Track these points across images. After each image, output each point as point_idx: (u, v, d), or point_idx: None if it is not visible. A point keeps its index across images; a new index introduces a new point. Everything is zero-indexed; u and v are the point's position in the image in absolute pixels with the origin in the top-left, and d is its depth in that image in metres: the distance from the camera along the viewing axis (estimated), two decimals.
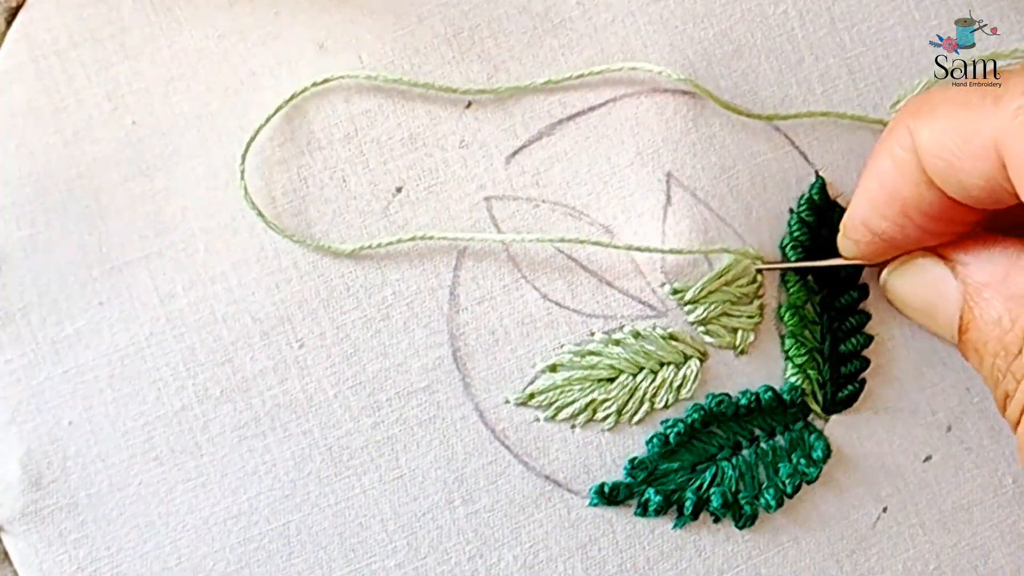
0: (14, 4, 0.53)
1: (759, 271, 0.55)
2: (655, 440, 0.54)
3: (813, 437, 0.55)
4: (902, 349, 0.56)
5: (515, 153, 0.54)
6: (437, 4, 0.54)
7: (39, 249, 0.52)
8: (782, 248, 0.55)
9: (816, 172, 0.56)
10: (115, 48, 0.53)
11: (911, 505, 0.56)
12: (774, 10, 0.56)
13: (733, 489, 0.54)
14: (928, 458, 0.56)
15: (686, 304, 0.55)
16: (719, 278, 0.55)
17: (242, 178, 0.52)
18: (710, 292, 0.55)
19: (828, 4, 0.56)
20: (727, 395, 0.55)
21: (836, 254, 0.54)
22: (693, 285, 0.54)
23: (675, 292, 0.55)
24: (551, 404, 0.54)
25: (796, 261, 0.55)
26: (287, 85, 0.53)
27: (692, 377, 0.55)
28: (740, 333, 0.55)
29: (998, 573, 0.56)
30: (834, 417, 0.55)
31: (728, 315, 0.55)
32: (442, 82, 0.54)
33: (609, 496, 0.54)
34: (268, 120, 0.53)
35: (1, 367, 0.52)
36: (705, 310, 0.55)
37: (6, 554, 0.53)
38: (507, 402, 0.54)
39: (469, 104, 0.54)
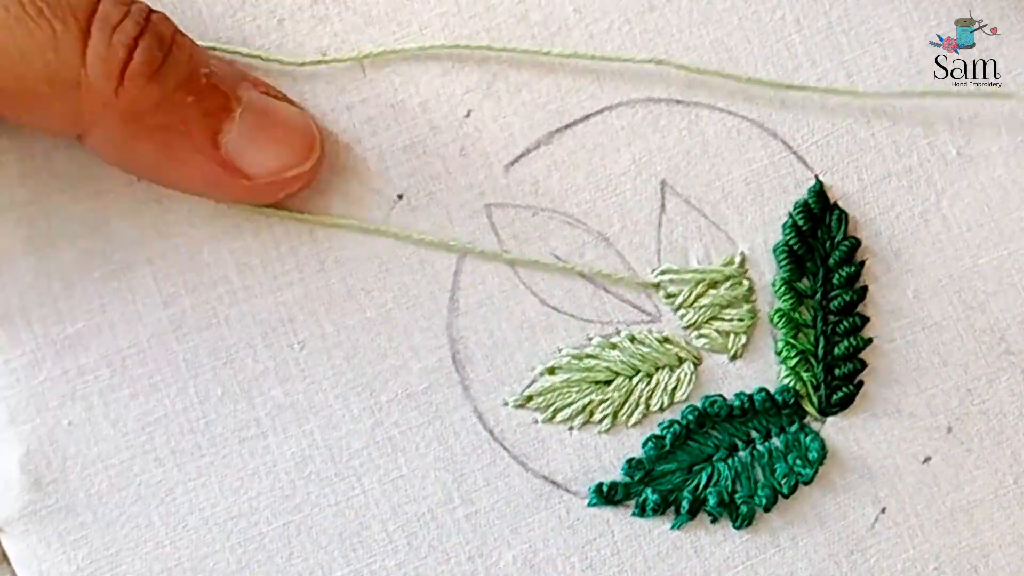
0: None
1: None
2: (651, 441, 0.54)
3: (808, 439, 0.55)
4: (902, 351, 0.56)
5: (514, 161, 0.55)
6: (438, 13, 0.55)
7: (39, 249, 0.52)
8: (775, 253, 0.55)
9: (816, 176, 0.56)
10: None
11: (910, 506, 0.55)
12: (771, 16, 0.56)
13: (729, 489, 0.54)
14: (927, 459, 0.56)
15: (677, 309, 0.55)
16: (706, 283, 0.55)
17: None
18: (698, 296, 0.55)
19: (825, 8, 0.56)
20: (721, 397, 0.55)
21: (831, 257, 0.55)
22: (683, 290, 0.55)
23: (668, 296, 0.55)
24: (549, 406, 0.54)
25: (785, 267, 0.55)
26: (288, 88, 0.54)
27: (687, 380, 0.55)
28: (732, 336, 0.55)
29: (998, 574, 0.56)
30: (832, 419, 0.55)
31: (718, 319, 0.55)
32: (442, 89, 0.54)
33: (608, 495, 0.54)
34: None
35: (1, 367, 0.52)
36: (695, 314, 0.55)
37: (5, 555, 0.53)
38: (505, 404, 0.54)
39: (468, 113, 0.55)
